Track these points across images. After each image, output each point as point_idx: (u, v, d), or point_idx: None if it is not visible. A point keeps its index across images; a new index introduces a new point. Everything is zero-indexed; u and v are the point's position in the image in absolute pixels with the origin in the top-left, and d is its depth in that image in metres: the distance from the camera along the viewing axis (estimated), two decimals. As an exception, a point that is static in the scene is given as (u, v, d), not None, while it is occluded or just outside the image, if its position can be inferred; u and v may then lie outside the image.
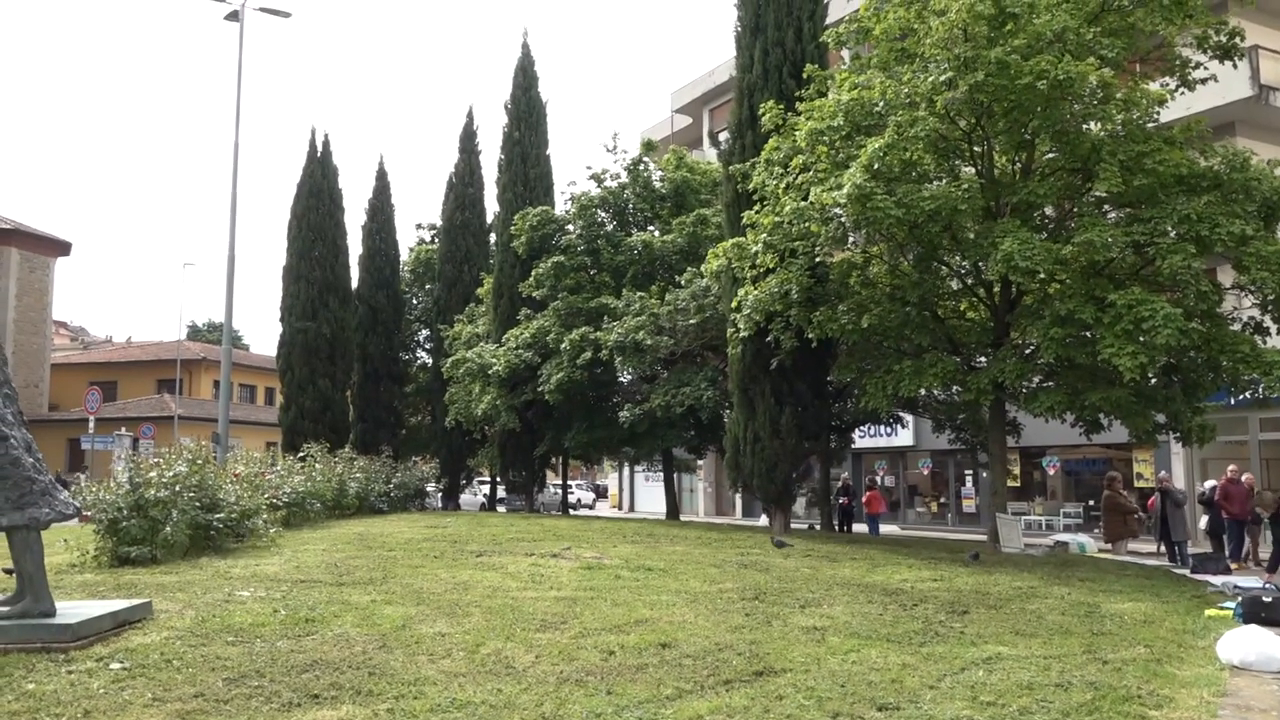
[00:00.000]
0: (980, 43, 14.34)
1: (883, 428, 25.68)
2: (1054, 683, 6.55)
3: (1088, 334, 14.34)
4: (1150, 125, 15.86)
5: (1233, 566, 16.01)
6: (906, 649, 7.54)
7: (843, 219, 15.31)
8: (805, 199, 15.77)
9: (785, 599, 9.78)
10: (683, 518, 27.93)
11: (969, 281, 17.23)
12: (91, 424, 32.14)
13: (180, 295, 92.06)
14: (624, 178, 28.84)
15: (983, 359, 17.19)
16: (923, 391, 18.08)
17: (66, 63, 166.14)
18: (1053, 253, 13.80)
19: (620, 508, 44.14)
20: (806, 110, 16.42)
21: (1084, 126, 15.36)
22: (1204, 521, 18.67)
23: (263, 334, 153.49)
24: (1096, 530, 22.39)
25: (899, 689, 6.33)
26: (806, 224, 15.59)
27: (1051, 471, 27.69)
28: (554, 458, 30.56)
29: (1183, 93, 16.59)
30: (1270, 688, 6.92)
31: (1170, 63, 16.42)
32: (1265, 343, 15.22)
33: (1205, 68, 16.22)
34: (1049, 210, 16.79)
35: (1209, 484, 18.73)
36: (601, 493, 56.63)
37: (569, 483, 36.20)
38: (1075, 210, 16.14)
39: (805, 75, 18.28)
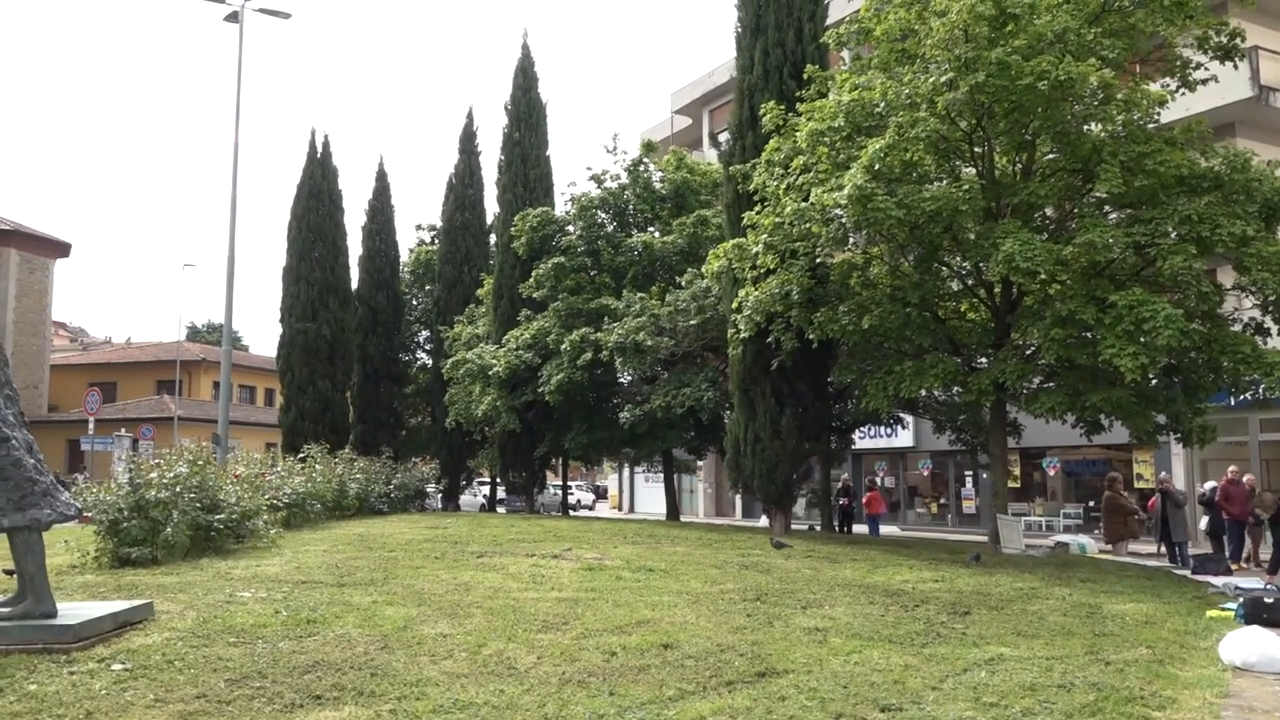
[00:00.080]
0: (981, 43, 14.34)
1: (883, 429, 25.67)
2: (1056, 684, 6.55)
3: (1089, 335, 14.34)
4: (1151, 126, 15.87)
5: (1233, 567, 16.00)
6: (908, 650, 7.53)
7: (843, 220, 15.30)
8: (806, 200, 15.76)
9: (787, 600, 9.77)
10: (682, 519, 27.91)
11: (970, 282, 17.23)
12: (91, 425, 32.11)
13: (180, 296, 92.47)
14: (624, 179, 28.86)
15: (983, 360, 17.19)
16: (923, 392, 18.07)
17: (67, 63, 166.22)
18: (1054, 253, 13.79)
19: (620, 509, 44.13)
20: (807, 111, 16.42)
21: (1085, 127, 15.37)
22: (1204, 522, 18.66)
23: (262, 335, 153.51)
24: (1097, 531, 22.39)
25: (901, 690, 6.32)
26: (807, 225, 15.59)
27: (1052, 472, 27.69)
28: (554, 459, 30.56)
29: (1183, 93, 16.59)
30: (1273, 689, 6.91)
31: (1171, 63, 16.42)
32: (1266, 343, 15.22)
33: (1206, 68, 16.22)
34: (1050, 211, 16.79)
35: (1209, 485, 18.72)
36: (601, 494, 56.62)
37: (569, 484, 36.19)
38: (1076, 211, 16.14)
39: (806, 76, 18.28)
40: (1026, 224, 15.28)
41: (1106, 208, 16.07)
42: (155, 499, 12.04)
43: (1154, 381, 15.44)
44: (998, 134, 15.74)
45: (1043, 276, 14.04)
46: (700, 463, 35.99)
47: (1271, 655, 7.42)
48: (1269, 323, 15.40)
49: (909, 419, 25.79)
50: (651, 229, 28.72)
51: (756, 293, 16.70)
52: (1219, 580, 13.48)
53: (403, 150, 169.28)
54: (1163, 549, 18.47)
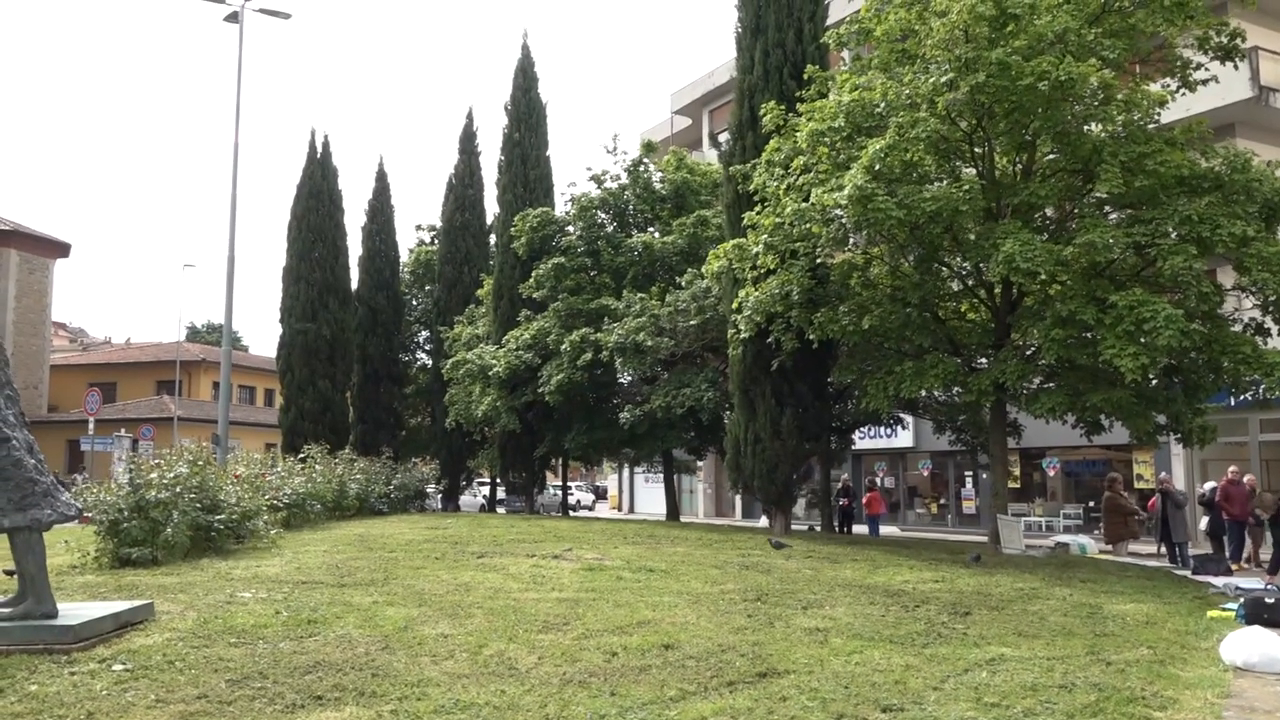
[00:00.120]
0: (981, 44, 14.34)
1: (882, 429, 25.67)
2: (1058, 684, 6.54)
3: (1089, 335, 14.34)
4: (1151, 126, 15.87)
5: (1233, 568, 16.00)
6: (909, 650, 7.53)
7: (844, 220, 15.30)
8: (806, 200, 15.76)
9: (787, 600, 9.77)
10: (682, 519, 27.91)
11: (970, 283, 17.23)
12: (91, 425, 32.10)
13: (179, 296, 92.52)
14: (624, 179, 28.86)
15: (984, 360, 17.19)
16: (923, 393, 18.06)
17: (66, 63, 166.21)
18: (1054, 254, 13.79)
19: (620, 509, 44.11)
20: (807, 111, 16.42)
21: (1085, 128, 15.37)
22: (1204, 523, 18.66)
23: (262, 335, 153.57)
24: (1097, 531, 22.39)
25: (903, 690, 6.32)
26: (807, 225, 15.58)
27: (1051, 473, 27.68)
28: (554, 459, 30.54)
29: (1183, 94, 16.59)
30: (1274, 689, 6.91)
31: (1171, 64, 16.42)
32: (1266, 344, 15.22)
33: (1206, 69, 16.22)
34: (1050, 211, 16.79)
35: (1208, 485, 18.72)
36: (601, 494, 56.61)
37: (568, 484, 36.19)
38: (1076, 211, 16.14)
39: (806, 76, 18.28)
40: (1027, 224, 15.28)
41: (1107, 208, 16.07)
42: (155, 499, 12.03)
43: (1154, 382, 15.44)
44: (998, 134, 15.74)
45: (1043, 277, 14.04)
46: (700, 463, 35.98)
47: (1272, 655, 7.41)
48: (1269, 323, 15.40)
49: (909, 419, 25.79)
50: (651, 229, 28.72)
51: (757, 293, 16.70)
52: (1219, 580, 13.48)
53: (403, 150, 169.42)
54: (1163, 549, 18.47)
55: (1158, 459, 23.41)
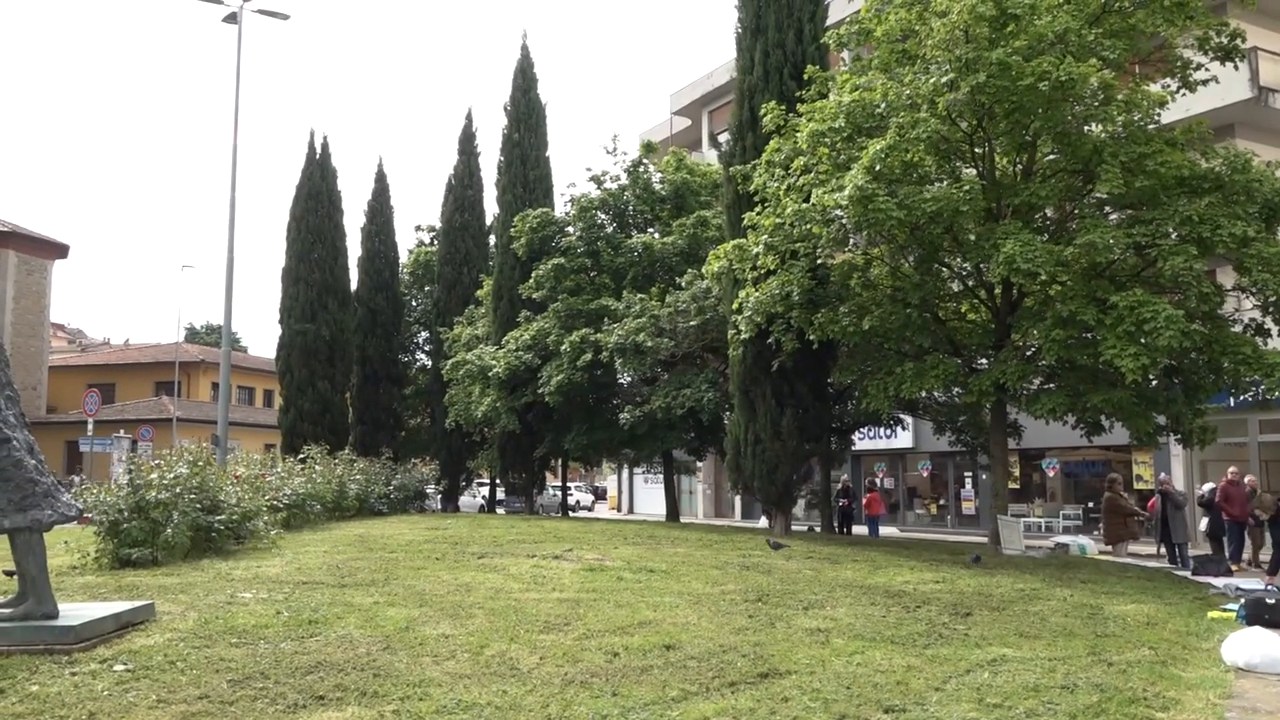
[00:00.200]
0: (982, 44, 14.34)
1: (882, 430, 25.67)
2: (1059, 684, 6.54)
3: (1089, 336, 14.34)
4: (1151, 127, 15.87)
5: (1233, 568, 16.00)
6: (911, 651, 7.53)
7: (844, 220, 15.30)
8: (807, 200, 15.77)
9: (788, 601, 9.76)
10: (682, 520, 27.91)
11: (970, 283, 17.23)
12: (90, 426, 32.08)
13: (178, 297, 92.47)
14: (624, 179, 28.88)
15: (984, 361, 17.19)
16: (924, 393, 18.06)
17: (65, 64, 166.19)
18: (1054, 254, 13.80)
19: (619, 510, 44.11)
20: (807, 112, 16.42)
21: (1085, 128, 15.38)
22: (1204, 524, 18.66)
23: (261, 336, 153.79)
24: (1096, 532, 22.39)
25: (904, 691, 6.32)
26: (808, 225, 15.58)
27: (1051, 473, 27.69)
28: (553, 460, 30.54)
29: (1183, 94, 16.60)
30: (1276, 689, 6.91)
31: (1171, 64, 16.42)
32: (1266, 344, 15.22)
33: (1206, 69, 16.22)
34: (1050, 212, 16.79)
35: (1207, 486, 18.72)
36: (600, 494, 56.61)
37: (568, 485, 36.19)
38: (1076, 212, 16.14)
39: (806, 76, 18.28)
40: (1027, 225, 15.28)
41: (1107, 208, 16.08)
42: (155, 500, 12.04)
43: (1154, 382, 15.45)
44: (998, 135, 15.75)
45: (1043, 277, 14.04)
46: (700, 464, 35.97)
47: (1274, 656, 7.41)
48: (1269, 324, 15.41)
49: (908, 420, 25.80)
50: (651, 230, 28.73)
51: (757, 294, 16.69)
52: (1219, 581, 13.47)
53: (402, 151, 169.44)
54: (1162, 550, 18.48)
55: (1157, 460, 23.41)
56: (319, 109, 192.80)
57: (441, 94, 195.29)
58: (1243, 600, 10.24)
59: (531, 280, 27.09)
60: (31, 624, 6.93)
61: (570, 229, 28.21)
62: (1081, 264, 14.37)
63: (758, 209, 17.40)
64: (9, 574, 8.52)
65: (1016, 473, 26.92)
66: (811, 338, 16.82)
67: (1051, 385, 16.01)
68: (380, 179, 38.56)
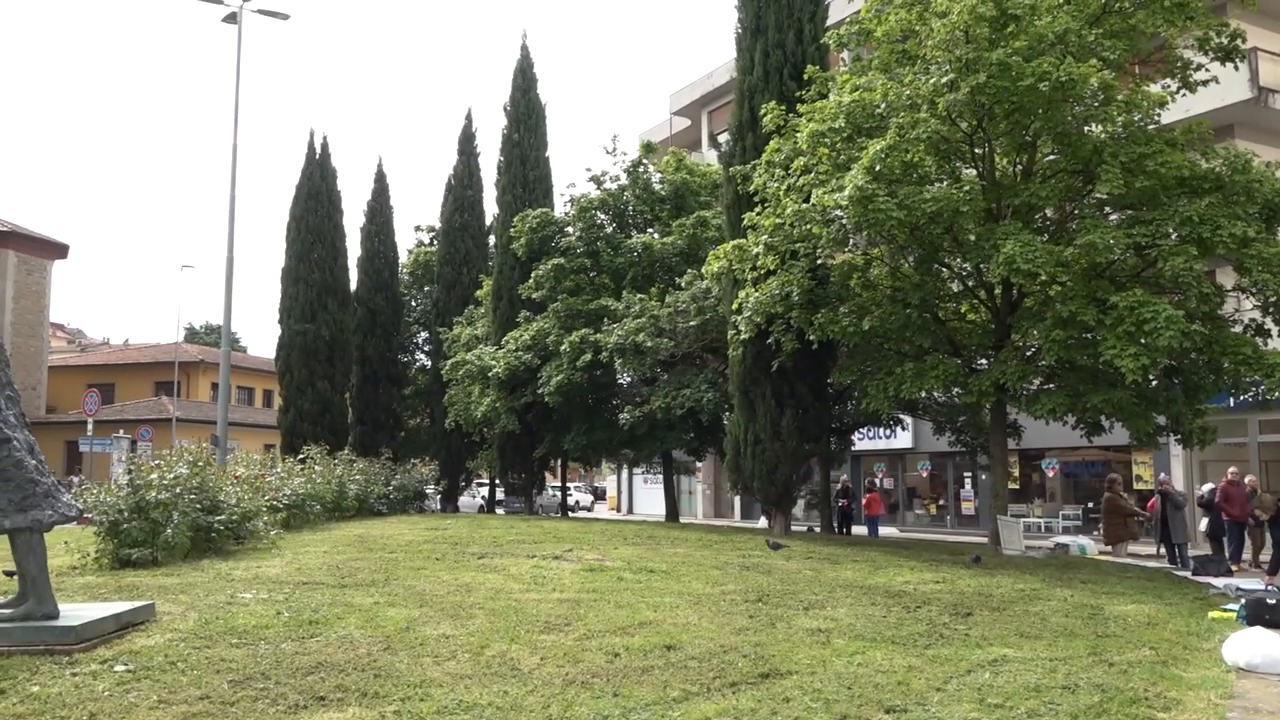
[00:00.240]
0: (982, 44, 14.34)
1: (882, 430, 25.67)
2: (1061, 685, 6.54)
3: (1089, 336, 14.34)
4: (1151, 127, 15.87)
5: (1233, 569, 16.00)
6: (912, 651, 7.53)
7: (844, 221, 15.29)
8: (806, 201, 15.76)
9: (788, 601, 9.76)
10: (681, 520, 27.90)
11: (970, 283, 17.23)
12: (90, 426, 32.07)
13: (178, 297, 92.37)
14: (623, 180, 28.88)
15: (984, 361, 17.18)
16: (923, 394, 18.05)
17: (64, 64, 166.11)
18: (1054, 255, 13.79)
19: (619, 510, 44.11)
20: (808, 112, 16.42)
21: (1085, 128, 15.38)
22: (1204, 524, 18.66)
23: (260, 336, 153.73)
24: (1096, 532, 22.39)
25: (906, 691, 6.31)
26: (808, 226, 15.58)
27: (1051, 474, 27.69)
28: (553, 460, 30.54)
29: (1183, 94, 16.60)
30: (1277, 689, 6.90)
31: (1171, 65, 16.42)
32: (1266, 344, 15.22)
33: (1206, 69, 16.22)
34: (1050, 212, 16.78)
35: (1206, 487, 18.72)
36: (599, 495, 56.60)
37: (567, 485, 36.18)
38: (1076, 212, 16.13)
39: (806, 77, 18.27)
40: (1027, 225, 15.28)
41: (1107, 209, 16.08)
42: (155, 500, 12.03)
43: (1154, 383, 15.45)
44: (998, 135, 15.74)
45: (1043, 278, 14.04)
46: (699, 464, 35.96)
47: (1275, 656, 7.41)
48: (1269, 324, 15.41)
49: (908, 420, 25.79)
50: (651, 230, 28.73)
51: (757, 294, 16.69)
52: (1220, 581, 13.47)
53: (402, 152, 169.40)
54: (1162, 550, 18.47)
55: (1157, 460, 23.42)
56: (319, 109, 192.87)
57: (441, 94, 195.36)
58: (1243, 600, 10.24)
59: (531, 280, 27.09)
60: (32, 624, 6.92)
61: (570, 229, 28.20)
62: (1081, 264, 14.37)
63: (758, 209, 17.40)
64: (9, 574, 8.51)
65: (1016, 473, 26.93)
66: (811, 338, 16.82)
67: (1051, 385, 16.01)
68: (380, 179, 38.56)
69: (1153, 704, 6.21)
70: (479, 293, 32.50)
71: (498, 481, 34.70)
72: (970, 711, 5.90)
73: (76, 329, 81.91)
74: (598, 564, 12.36)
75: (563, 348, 24.25)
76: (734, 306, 17.67)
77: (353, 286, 36.52)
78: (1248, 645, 7.61)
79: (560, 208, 30.28)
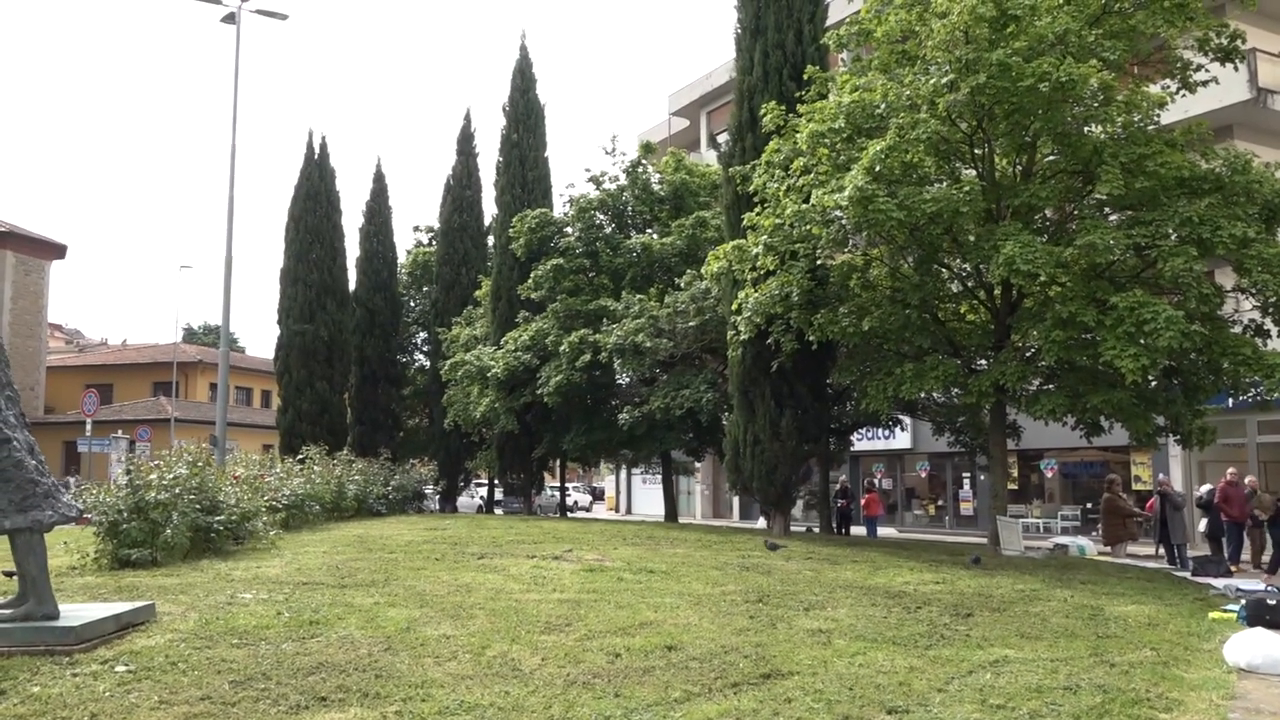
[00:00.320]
0: (982, 45, 14.34)
1: (880, 430, 25.68)
2: (1062, 686, 6.53)
3: (1089, 337, 14.33)
4: (1151, 128, 15.87)
5: (1232, 569, 16.00)
6: (913, 652, 7.52)
7: (844, 221, 15.29)
8: (806, 201, 15.75)
9: (789, 601, 9.76)
10: (680, 520, 27.89)
11: (970, 284, 17.22)
12: (89, 426, 32.04)
13: (176, 298, 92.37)
14: (622, 180, 28.88)
15: (983, 362, 17.18)
16: (923, 394, 18.05)
17: (63, 64, 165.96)
18: (1054, 255, 13.79)
19: (617, 510, 44.10)
20: (807, 112, 16.41)
21: (1085, 129, 15.38)
22: (1203, 525, 18.66)
23: (259, 337, 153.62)
24: (1095, 533, 22.39)
25: (907, 692, 6.31)
26: (807, 226, 15.57)
27: (1049, 474, 27.70)
28: (551, 460, 30.52)
29: (1183, 95, 16.59)
30: (1278, 690, 6.90)
31: (1171, 65, 16.42)
32: (1266, 345, 15.22)
33: (1206, 70, 16.22)
34: (1050, 213, 16.78)
35: (1205, 487, 18.72)
36: (598, 495, 56.59)
37: (566, 485, 36.17)
38: (1076, 213, 16.13)
39: (806, 77, 18.26)
40: (1027, 226, 15.28)
41: (1107, 209, 16.07)
42: (155, 500, 12.01)
43: (1154, 383, 15.45)
44: (998, 135, 15.75)
45: (1043, 278, 14.03)
46: (698, 464, 35.94)
47: (1276, 657, 7.41)
48: (1269, 324, 15.41)
49: (907, 421, 25.80)
50: (650, 230, 28.72)
51: (756, 294, 16.68)
52: (1219, 582, 13.49)
53: (401, 152, 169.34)
54: (1160, 550, 18.48)
55: (1155, 460, 23.43)
56: (317, 109, 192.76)
57: (440, 95, 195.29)
58: (1243, 601, 10.24)
59: (530, 281, 27.08)
60: (32, 625, 6.91)
61: (569, 229, 28.19)
62: (1081, 265, 14.36)
63: (757, 209, 17.39)
64: (9, 575, 8.50)
65: (1015, 473, 26.94)
66: (811, 338, 16.81)
67: (1051, 386, 16.00)
68: (379, 179, 38.54)
69: (1154, 705, 6.20)
70: (478, 293, 32.49)
71: (496, 482, 34.68)
72: (972, 712, 5.89)
73: (74, 329, 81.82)
74: (597, 564, 12.35)
75: (562, 348, 24.24)
76: (733, 307, 17.66)
77: (351, 287, 36.51)
78: (1249, 646, 7.61)
79: (559, 208, 30.30)
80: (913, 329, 16.44)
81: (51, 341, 54.97)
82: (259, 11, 27.10)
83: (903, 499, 32.23)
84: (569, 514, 34.18)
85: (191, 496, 12.67)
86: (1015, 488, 27.06)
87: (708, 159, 33.46)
